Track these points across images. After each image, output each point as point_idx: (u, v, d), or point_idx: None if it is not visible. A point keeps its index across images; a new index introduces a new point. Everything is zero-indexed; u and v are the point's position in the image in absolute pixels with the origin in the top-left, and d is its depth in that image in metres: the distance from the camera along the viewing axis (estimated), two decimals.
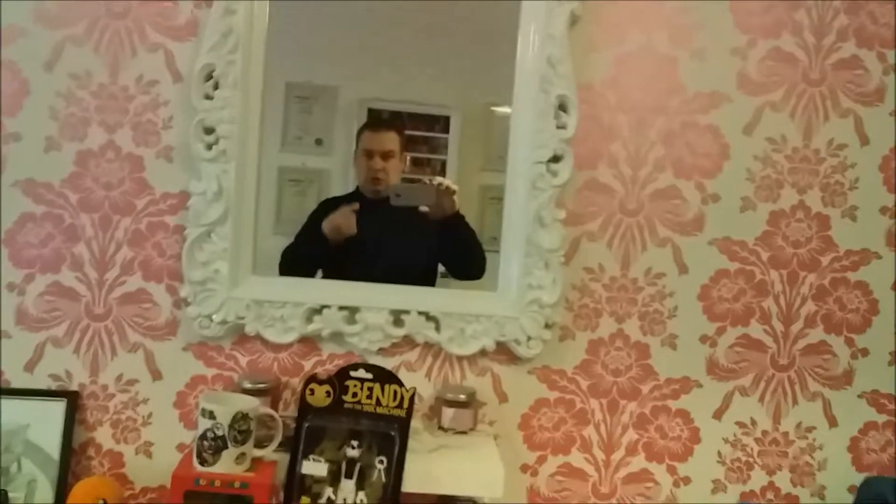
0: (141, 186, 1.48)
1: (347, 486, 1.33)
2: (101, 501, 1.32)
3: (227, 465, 1.28)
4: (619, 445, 1.61)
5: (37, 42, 1.43)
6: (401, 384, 1.35)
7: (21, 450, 1.41)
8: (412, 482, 1.34)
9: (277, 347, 1.51)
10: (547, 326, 1.53)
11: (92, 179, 1.47)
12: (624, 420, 1.61)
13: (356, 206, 1.52)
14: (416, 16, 1.52)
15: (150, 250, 1.48)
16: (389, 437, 1.34)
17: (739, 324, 1.62)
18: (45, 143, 1.45)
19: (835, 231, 1.62)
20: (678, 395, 1.62)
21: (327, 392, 1.35)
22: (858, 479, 1.63)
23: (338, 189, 1.56)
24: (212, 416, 1.27)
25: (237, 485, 1.27)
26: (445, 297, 1.54)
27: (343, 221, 1.52)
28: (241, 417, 1.28)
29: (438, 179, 1.54)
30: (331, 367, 1.51)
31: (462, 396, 1.50)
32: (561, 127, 1.49)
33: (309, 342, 1.52)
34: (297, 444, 1.33)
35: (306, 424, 1.34)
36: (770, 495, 1.65)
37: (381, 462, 1.34)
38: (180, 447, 1.49)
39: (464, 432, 1.49)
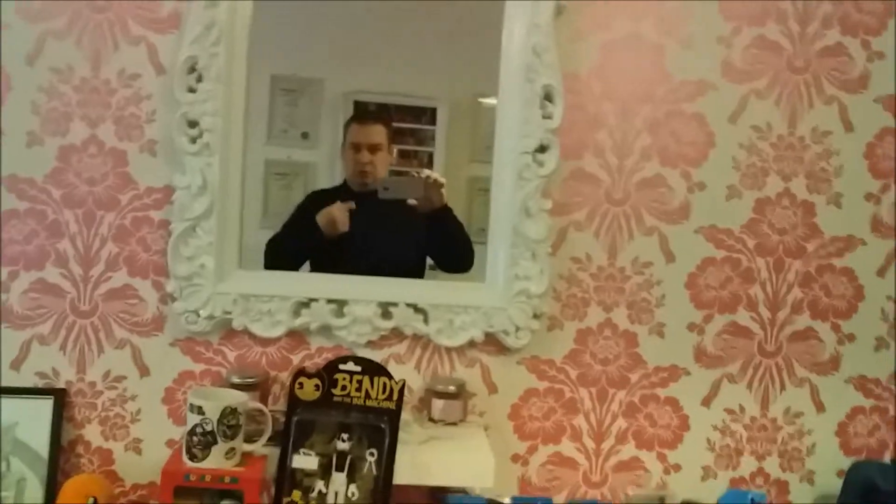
0: (125, 181, 1.46)
1: (338, 478, 1.33)
2: (91, 499, 1.32)
3: (216, 461, 1.27)
4: (609, 434, 1.62)
5: (18, 36, 1.42)
6: (390, 376, 1.35)
7: (10, 448, 1.40)
8: (403, 474, 1.34)
9: (265, 342, 1.50)
10: (535, 317, 1.53)
11: (75, 174, 1.45)
12: (613, 409, 1.61)
13: (352, 204, 1.51)
14: (401, 7, 1.51)
15: (135, 246, 1.47)
16: (379, 429, 1.34)
17: (726, 311, 1.63)
18: (28, 139, 1.43)
19: (820, 218, 1.63)
20: (667, 383, 1.62)
21: (316, 385, 1.35)
22: (847, 463, 1.64)
23: (324, 183, 1.55)
24: (200, 411, 1.27)
25: (227, 479, 1.27)
26: (433, 289, 1.54)
27: (339, 216, 1.51)
28: (229, 412, 1.28)
29: (426, 172, 1.53)
30: (319, 361, 1.51)
31: (451, 388, 1.50)
32: (547, 117, 1.48)
33: (297, 336, 1.51)
34: (287, 438, 1.33)
35: (296, 418, 1.34)
36: (759, 481, 1.66)
37: (372, 454, 1.33)
38: (170, 443, 1.49)
39: (454, 423, 1.49)
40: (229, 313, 1.46)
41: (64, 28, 1.43)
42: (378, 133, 1.54)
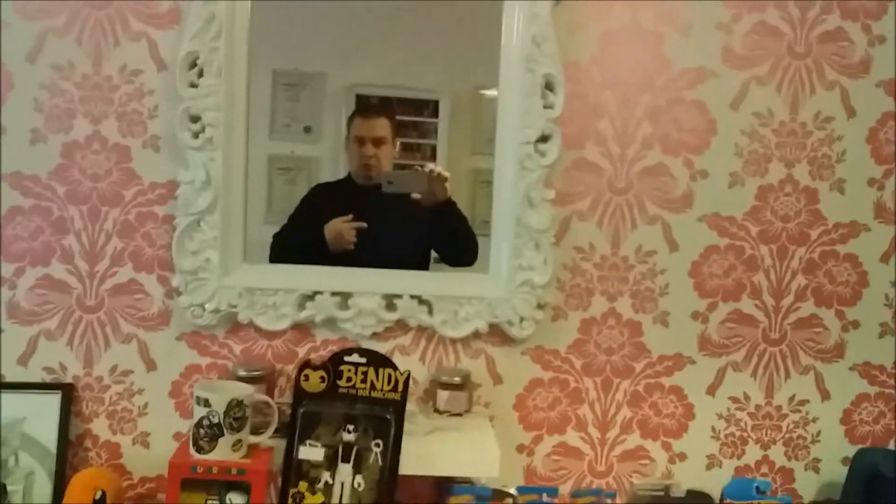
0: (128, 177, 1.47)
1: (345, 469, 1.34)
2: (99, 493, 1.32)
3: (223, 453, 1.28)
4: (614, 423, 1.62)
5: (18, 34, 1.42)
6: (395, 368, 1.36)
7: (18, 443, 1.41)
8: (409, 464, 1.35)
9: (271, 335, 1.51)
10: (539, 307, 1.54)
11: (79, 171, 1.46)
12: (618, 398, 1.62)
13: (363, 225, 1.52)
14: (402, 0, 1.51)
15: (139, 241, 1.48)
16: (385, 420, 1.35)
17: (730, 299, 1.63)
18: (31, 136, 1.44)
19: (823, 204, 1.63)
20: (671, 372, 1.63)
21: (322, 377, 1.35)
22: (852, 451, 1.64)
23: (328, 177, 1.55)
24: (207, 403, 1.28)
25: (234, 471, 1.28)
26: (437, 281, 1.54)
27: (347, 233, 1.52)
28: (236, 405, 1.29)
29: (430, 166, 1.53)
30: (325, 353, 1.51)
31: (456, 379, 1.51)
32: (548, 106, 1.48)
33: (302, 329, 1.52)
34: (294, 430, 1.34)
35: (301, 410, 1.34)
36: (764, 469, 1.67)
37: (378, 445, 1.34)
38: (177, 436, 1.50)
39: (459, 414, 1.50)
40: (235, 307, 1.47)
41: (64, 25, 1.43)
42: (382, 126, 1.54)
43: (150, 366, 1.51)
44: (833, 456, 1.68)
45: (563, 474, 1.61)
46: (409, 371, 1.36)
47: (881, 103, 1.61)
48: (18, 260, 1.46)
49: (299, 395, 1.35)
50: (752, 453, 1.66)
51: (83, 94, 1.45)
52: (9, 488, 1.39)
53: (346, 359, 1.36)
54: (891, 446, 1.69)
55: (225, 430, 1.28)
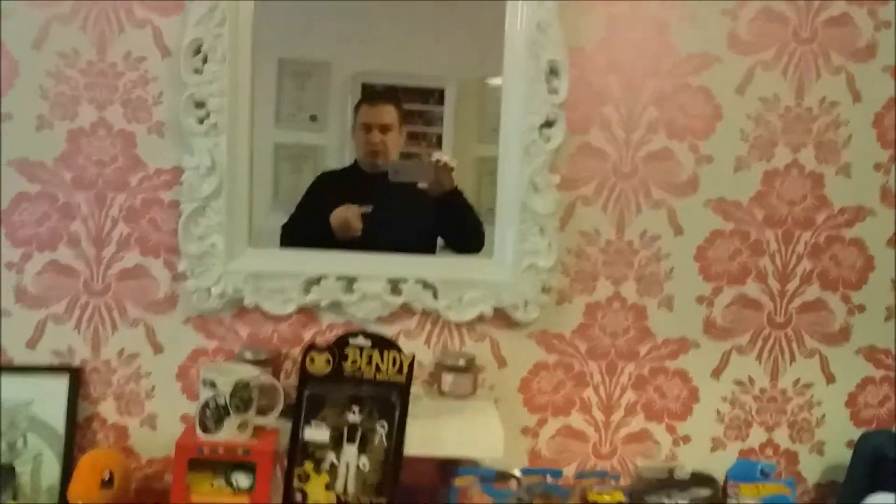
0: (134, 163, 1.48)
1: (350, 450, 1.35)
2: (107, 473, 1.34)
3: (229, 433, 1.30)
4: (619, 406, 1.63)
5: (24, 22, 1.43)
6: (400, 350, 1.37)
7: (26, 425, 1.43)
8: (414, 446, 1.36)
9: (277, 319, 1.52)
10: (544, 291, 1.54)
11: (84, 157, 1.47)
12: (623, 381, 1.62)
13: (368, 208, 1.52)
14: None
15: (146, 226, 1.49)
16: (390, 402, 1.36)
17: (736, 283, 1.63)
18: (37, 122, 1.45)
19: (829, 189, 1.63)
20: (676, 356, 1.63)
21: (327, 360, 1.37)
22: (856, 434, 1.64)
23: (334, 165, 1.56)
24: (213, 385, 1.29)
25: (240, 452, 1.29)
26: (442, 265, 1.55)
27: (353, 221, 1.52)
28: (242, 386, 1.30)
29: (437, 156, 1.54)
30: (330, 337, 1.52)
31: (461, 362, 1.51)
32: (553, 92, 1.48)
33: (308, 312, 1.53)
34: (299, 412, 1.35)
35: (307, 392, 1.36)
36: (769, 452, 1.67)
37: (383, 427, 1.35)
38: (184, 419, 1.51)
39: (464, 397, 1.51)
40: (241, 291, 1.48)
41: (69, 13, 1.44)
42: (388, 113, 1.54)
43: (157, 349, 1.52)
44: (837, 439, 1.68)
45: (568, 456, 1.62)
46: (413, 354, 1.37)
47: (887, 88, 1.61)
48: (25, 245, 1.47)
49: (305, 377, 1.36)
50: (757, 436, 1.67)
51: (88, 80, 1.45)
52: (17, 470, 1.40)
53: (352, 341, 1.37)
54: (895, 429, 1.69)
55: (231, 412, 1.29)
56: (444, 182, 1.53)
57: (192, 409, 1.45)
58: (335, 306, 1.51)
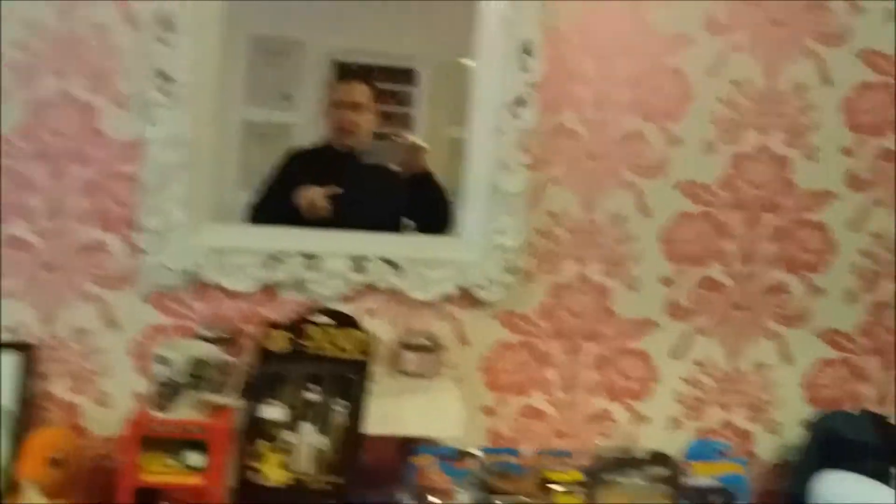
0: (95, 134, 1.43)
1: (307, 429, 1.34)
2: (57, 452, 1.32)
3: (184, 411, 1.28)
4: (580, 386, 1.63)
5: None
6: (360, 328, 1.36)
7: None
8: (374, 424, 1.36)
9: (237, 296, 1.50)
10: (510, 271, 1.54)
11: (45, 128, 1.42)
12: (585, 361, 1.63)
13: (337, 189, 1.50)
14: None
15: (105, 199, 1.45)
16: (350, 380, 1.36)
17: (699, 265, 1.63)
18: None
19: (795, 172, 1.63)
20: (638, 337, 1.64)
21: (287, 338, 1.35)
22: (812, 414, 1.67)
23: (305, 145, 1.53)
24: (167, 362, 1.27)
25: (195, 430, 1.27)
26: (407, 244, 1.54)
27: (320, 201, 1.50)
28: (196, 363, 1.28)
29: (409, 137, 1.52)
30: (291, 315, 1.50)
31: (424, 341, 1.51)
32: (526, 70, 1.47)
33: (270, 290, 1.51)
34: (256, 390, 1.34)
35: (265, 370, 1.35)
36: (726, 432, 1.69)
37: (342, 405, 1.35)
38: (138, 397, 1.48)
39: (426, 376, 1.51)
40: (201, 267, 1.45)
41: None
42: (361, 92, 1.51)
43: (113, 326, 1.49)
44: (794, 419, 1.71)
45: (528, 436, 1.63)
46: (374, 332, 1.36)
47: (857, 73, 1.61)
48: None
49: (263, 354, 1.35)
50: (715, 416, 1.69)
51: (50, 50, 1.40)
52: None
53: (312, 319, 1.36)
54: (851, 410, 1.72)
55: (185, 389, 1.27)
56: (416, 163, 1.51)
57: (147, 387, 1.44)
58: (298, 284, 1.50)
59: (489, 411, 1.62)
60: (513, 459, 1.54)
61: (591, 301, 1.61)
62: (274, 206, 1.50)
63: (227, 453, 1.30)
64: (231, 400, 1.34)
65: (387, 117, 1.53)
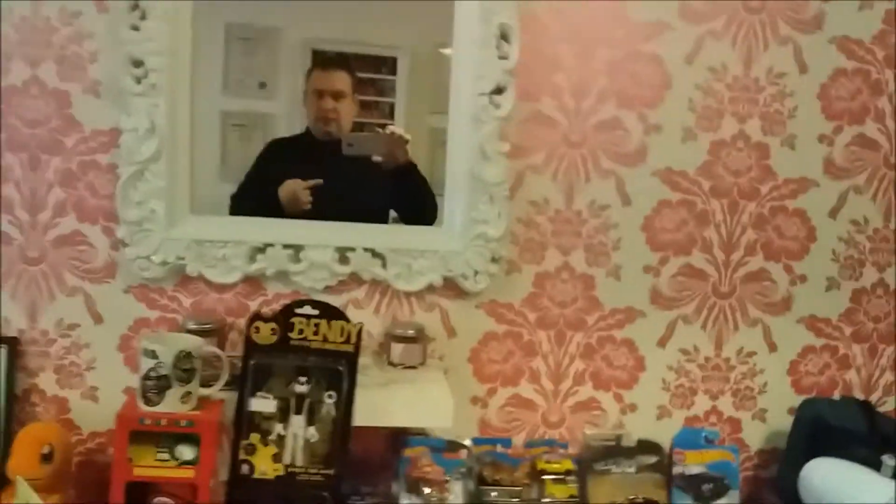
0: (69, 123, 1.42)
1: (297, 421, 1.33)
2: (47, 447, 1.30)
3: (172, 405, 1.26)
4: (567, 375, 1.63)
5: None
6: (347, 320, 1.35)
7: None
8: (363, 416, 1.35)
9: (221, 288, 1.48)
10: (493, 260, 1.53)
11: (16, 117, 1.40)
12: (571, 351, 1.63)
13: (319, 182, 1.49)
14: None
15: (82, 190, 1.43)
16: (338, 372, 1.34)
17: (682, 253, 1.64)
18: None
19: (774, 160, 1.64)
20: (623, 325, 1.64)
21: (273, 329, 1.34)
22: (797, 401, 1.67)
23: (284, 134, 1.52)
24: (154, 355, 1.25)
25: (183, 423, 1.26)
26: (391, 234, 1.53)
27: (302, 194, 1.49)
28: (184, 356, 1.26)
29: (391, 128, 1.51)
30: (277, 307, 1.49)
31: (411, 332, 1.50)
32: (503, 57, 1.46)
33: (253, 282, 1.50)
34: (244, 382, 1.32)
35: (252, 362, 1.33)
36: (713, 419, 1.70)
37: (331, 397, 1.33)
38: (127, 391, 1.46)
39: (413, 367, 1.50)
40: (182, 259, 1.44)
41: None
42: (341, 80, 1.51)
43: (97, 319, 1.47)
44: (779, 406, 1.72)
45: (517, 425, 1.63)
46: (361, 323, 1.35)
47: (833, 59, 1.63)
48: None
49: (250, 347, 1.33)
50: (702, 404, 1.69)
51: (20, 35, 1.38)
52: None
53: (298, 311, 1.34)
54: (835, 396, 1.73)
55: (173, 383, 1.26)
56: (399, 155, 1.51)
57: (135, 381, 1.41)
58: (282, 275, 1.48)
59: (478, 401, 1.61)
60: (504, 449, 1.54)
61: (575, 290, 1.61)
62: (256, 197, 1.49)
63: (217, 446, 1.29)
64: (220, 393, 1.33)
65: (366, 106, 1.53)
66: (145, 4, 1.35)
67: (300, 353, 1.34)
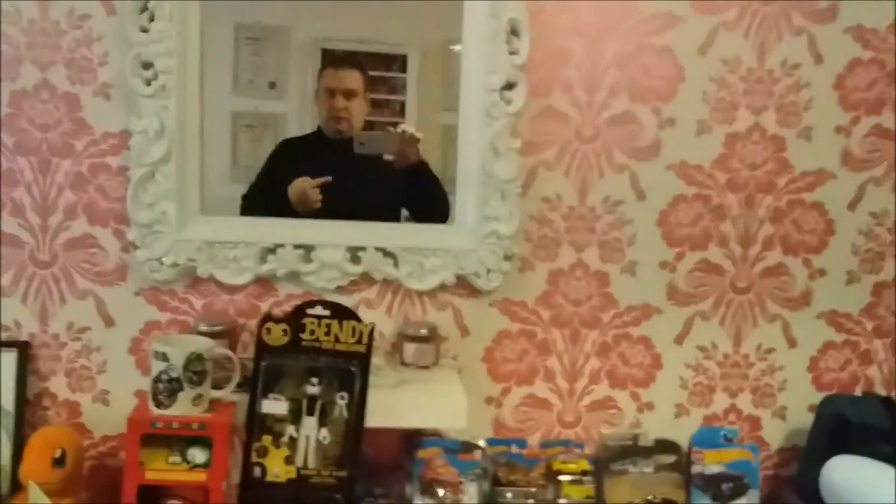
0: (79, 126, 1.42)
1: (309, 423, 1.32)
2: (59, 451, 1.30)
3: (184, 407, 1.26)
4: (583, 374, 1.61)
5: None
6: (359, 320, 1.34)
7: None
8: (376, 417, 1.34)
9: (232, 289, 1.48)
10: (506, 258, 1.52)
11: (27, 121, 1.41)
12: (586, 349, 1.61)
13: (328, 179, 1.48)
14: None
15: (93, 193, 1.44)
16: (350, 373, 1.33)
17: (698, 248, 1.62)
18: None
19: (790, 152, 1.62)
20: (639, 322, 1.62)
21: (284, 330, 1.33)
22: (818, 398, 1.64)
23: (294, 134, 1.52)
24: (165, 358, 1.25)
25: (195, 426, 1.25)
26: (402, 233, 1.52)
27: (312, 193, 1.48)
28: (195, 358, 1.26)
29: (402, 127, 1.50)
30: (288, 308, 1.48)
31: (423, 331, 1.49)
32: (513, 52, 1.45)
33: (265, 283, 1.49)
34: (256, 384, 1.31)
35: (264, 364, 1.32)
36: (732, 417, 1.67)
37: (343, 398, 1.33)
38: (138, 394, 1.46)
39: (426, 367, 1.48)
40: (193, 261, 1.43)
41: None
42: (353, 79, 1.50)
43: (109, 322, 1.47)
44: (799, 403, 1.69)
45: (532, 425, 1.61)
46: (373, 323, 1.34)
47: (849, 50, 1.60)
48: None
49: (261, 348, 1.33)
50: (720, 402, 1.67)
51: (30, 40, 1.39)
52: None
53: (309, 311, 1.34)
54: (857, 393, 1.70)
55: (184, 385, 1.25)
56: (410, 154, 1.50)
57: (146, 384, 1.40)
58: (293, 276, 1.48)
59: (492, 401, 1.59)
60: (519, 450, 1.52)
61: (589, 287, 1.59)
62: (267, 197, 1.48)
63: (229, 449, 1.28)
64: (232, 395, 1.32)
65: (377, 104, 1.52)
66: (154, 6, 1.36)
67: (312, 354, 1.33)
